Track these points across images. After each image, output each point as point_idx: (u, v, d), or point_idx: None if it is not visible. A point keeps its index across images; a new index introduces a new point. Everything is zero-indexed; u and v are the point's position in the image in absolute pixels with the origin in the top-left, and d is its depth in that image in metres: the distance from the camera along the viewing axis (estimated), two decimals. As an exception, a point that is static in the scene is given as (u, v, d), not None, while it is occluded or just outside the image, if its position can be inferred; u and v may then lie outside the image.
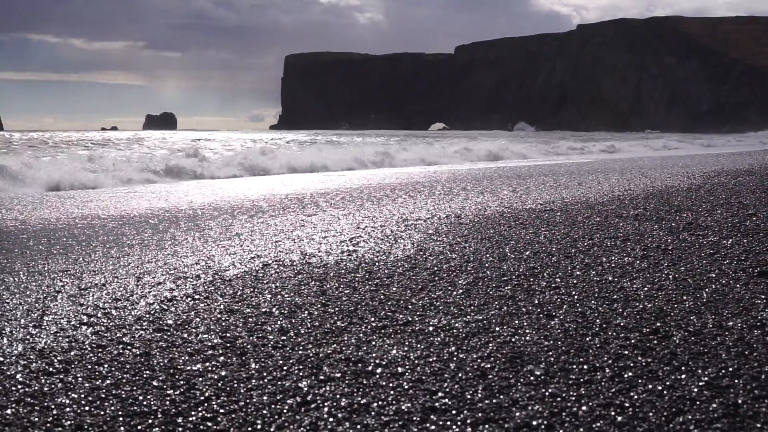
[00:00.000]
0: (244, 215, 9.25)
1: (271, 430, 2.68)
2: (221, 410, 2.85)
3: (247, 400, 2.95)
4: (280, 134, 71.33)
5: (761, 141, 56.80)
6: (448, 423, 2.72)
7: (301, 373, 3.24)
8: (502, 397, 2.93)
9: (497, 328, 3.85)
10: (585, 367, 3.24)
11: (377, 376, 3.19)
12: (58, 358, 3.46)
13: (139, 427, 2.71)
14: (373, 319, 4.09)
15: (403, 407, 2.85)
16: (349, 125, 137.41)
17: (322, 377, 3.18)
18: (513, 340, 3.64)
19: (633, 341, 3.57)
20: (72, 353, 3.54)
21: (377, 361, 3.37)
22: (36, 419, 2.79)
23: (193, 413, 2.83)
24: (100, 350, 3.58)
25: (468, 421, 2.73)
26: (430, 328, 3.87)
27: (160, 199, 11.76)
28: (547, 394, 2.95)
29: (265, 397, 2.98)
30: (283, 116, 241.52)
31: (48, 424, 2.74)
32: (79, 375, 3.25)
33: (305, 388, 3.06)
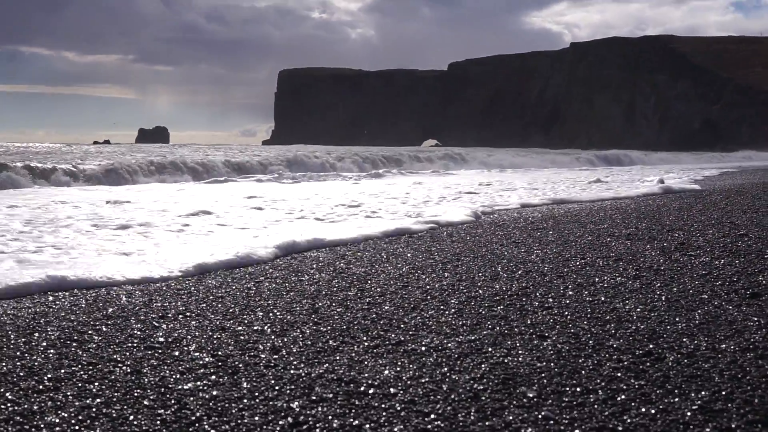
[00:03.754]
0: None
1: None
2: (212, 430, 2.83)
3: (239, 420, 2.93)
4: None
5: None
6: (441, 446, 2.71)
7: (293, 394, 3.21)
8: (495, 419, 2.92)
9: (490, 349, 3.83)
10: (578, 389, 3.23)
11: (369, 396, 3.17)
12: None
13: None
14: (365, 338, 4.07)
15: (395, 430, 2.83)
16: (341, 141, 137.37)
17: (314, 398, 3.16)
18: (506, 361, 3.63)
19: (626, 363, 3.56)
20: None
21: (369, 382, 3.35)
22: None
23: (183, 433, 2.81)
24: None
25: (461, 444, 2.72)
26: (423, 348, 3.85)
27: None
28: (539, 416, 2.93)
29: (256, 417, 2.96)
30: (276, 131, 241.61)
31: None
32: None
33: (297, 409, 3.04)
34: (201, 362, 3.64)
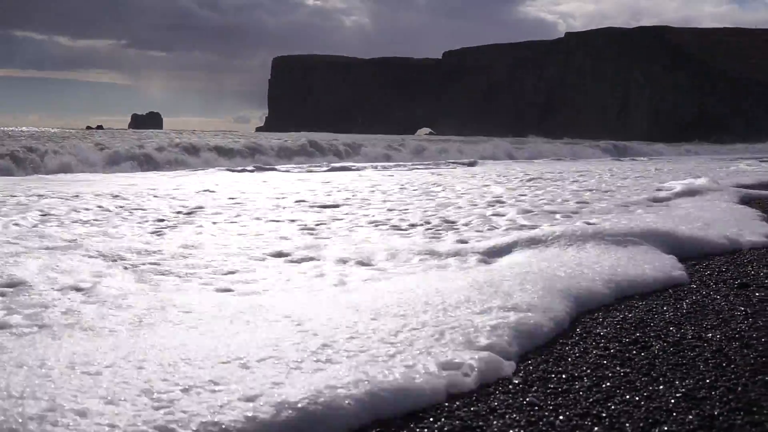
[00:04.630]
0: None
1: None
2: None
3: None
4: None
5: None
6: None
7: None
8: (480, 405, 2.93)
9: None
10: (563, 376, 3.24)
11: None
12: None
13: None
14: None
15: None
16: (334, 129, 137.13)
17: None
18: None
19: (612, 351, 3.58)
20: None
21: None
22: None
23: None
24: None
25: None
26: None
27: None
28: (524, 402, 2.94)
29: None
30: (270, 118, 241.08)
31: None
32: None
33: None
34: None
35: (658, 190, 12.75)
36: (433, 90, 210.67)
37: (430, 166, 24.91)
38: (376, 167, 23.81)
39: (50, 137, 32.93)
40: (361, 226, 8.01)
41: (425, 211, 9.31)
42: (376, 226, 8.03)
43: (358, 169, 22.09)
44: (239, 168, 21.38)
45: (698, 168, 23.32)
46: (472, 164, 26.12)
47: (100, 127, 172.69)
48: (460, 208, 9.77)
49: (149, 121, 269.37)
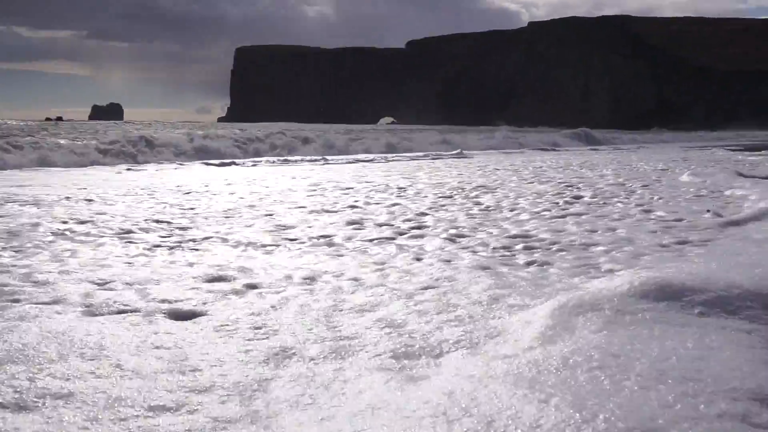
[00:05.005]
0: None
1: None
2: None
3: None
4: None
5: None
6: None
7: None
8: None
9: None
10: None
11: None
12: None
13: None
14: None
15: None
16: (298, 118, 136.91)
17: None
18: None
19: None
20: None
21: None
22: None
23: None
24: None
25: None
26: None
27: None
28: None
29: None
30: (232, 109, 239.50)
31: None
32: None
33: None
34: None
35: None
36: (396, 79, 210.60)
37: (420, 157, 22.78)
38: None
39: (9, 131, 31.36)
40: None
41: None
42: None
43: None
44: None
45: (694, 158, 21.50)
46: (460, 155, 23.85)
47: (60, 119, 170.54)
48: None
49: (110, 112, 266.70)
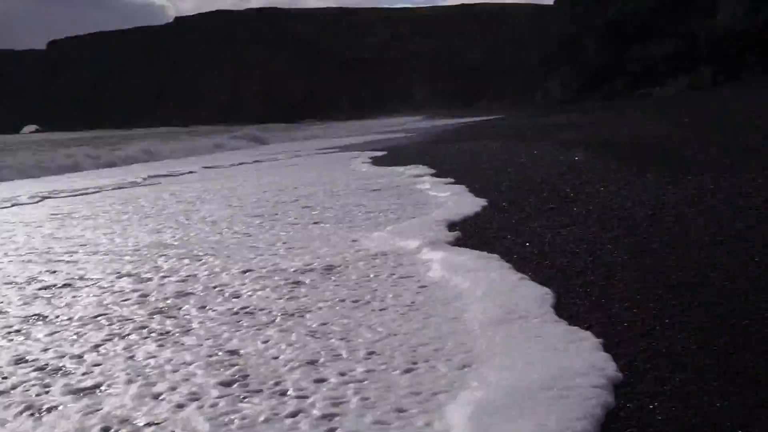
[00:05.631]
0: None
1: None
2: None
3: None
4: None
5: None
6: None
7: None
8: None
9: None
10: None
11: None
12: None
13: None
14: None
15: None
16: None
17: None
18: None
19: None
20: None
21: None
22: None
23: None
24: None
25: None
26: None
27: None
28: None
29: None
30: None
31: None
32: None
33: None
34: None
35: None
36: (38, 83, 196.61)
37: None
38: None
39: None
40: None
41: None
42: None
43: None
44: None
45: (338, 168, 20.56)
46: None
47: None
48: None
49: None
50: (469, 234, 5.89)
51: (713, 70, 51.87)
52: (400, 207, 7.83)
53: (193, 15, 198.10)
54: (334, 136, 41.53)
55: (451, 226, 6.29)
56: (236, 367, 3.24)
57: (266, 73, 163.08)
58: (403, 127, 48.90)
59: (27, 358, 3.57)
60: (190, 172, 16.41)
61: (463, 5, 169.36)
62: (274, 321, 3.88)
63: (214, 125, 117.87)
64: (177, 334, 3.78)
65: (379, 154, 18.11)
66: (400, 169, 12.39)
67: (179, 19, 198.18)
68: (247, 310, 4.14)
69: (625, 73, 67.11)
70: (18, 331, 4.05)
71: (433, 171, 11.42)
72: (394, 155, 17.16)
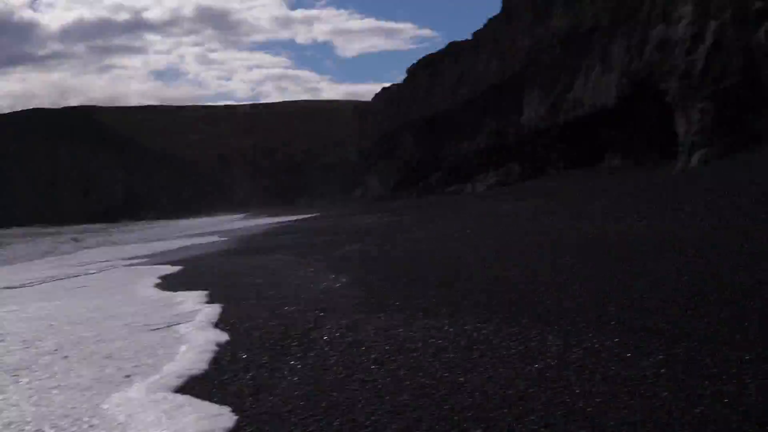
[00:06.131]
0: None
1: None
2: None
3: None
4: None
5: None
6: None
7: None
8: None
9: None
10: None
11: None
12: None
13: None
14: None
15: None
16: None
17: None
18: None
19: None
20: None
21: None
22: None
23: None
24: None
25: None
26: None
27: None
28: None
29: None
30: None
31: None
32: None
33: None
34: None
35: None
36: None
37: None
38: None
39: None
40: None
41: None
42: None
43: None
44: None
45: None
46: None
47: None
48: None
49: None
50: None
51: (521, 166, 54.17)
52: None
53: (9, 113, 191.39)
54: (150, 238, 41.30)
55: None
56: None
57: (84, 171, 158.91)
58: (217, 229, 49.20)
59: None
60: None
61: (284, 102, 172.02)
62: None
63: (29, 227, 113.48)
64: None
65: (173, 270, 18.04)
66: (179, 298, 12.37)
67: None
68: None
69: (440, 169, 69.36)
70: None
71: (207, 300, 11.51)
72: (188, 270, 17.32)
